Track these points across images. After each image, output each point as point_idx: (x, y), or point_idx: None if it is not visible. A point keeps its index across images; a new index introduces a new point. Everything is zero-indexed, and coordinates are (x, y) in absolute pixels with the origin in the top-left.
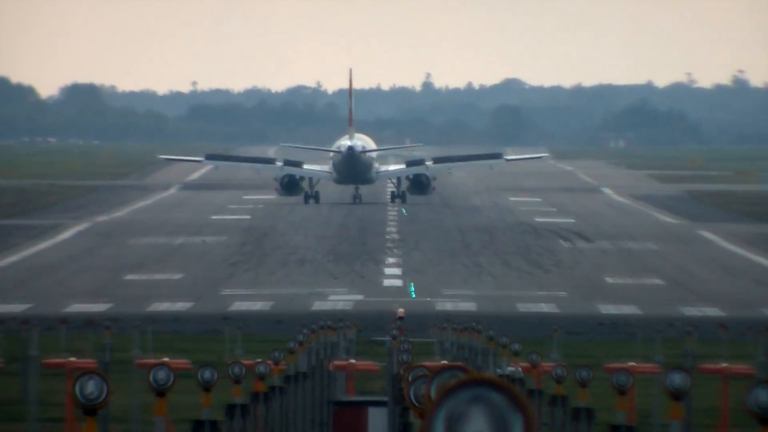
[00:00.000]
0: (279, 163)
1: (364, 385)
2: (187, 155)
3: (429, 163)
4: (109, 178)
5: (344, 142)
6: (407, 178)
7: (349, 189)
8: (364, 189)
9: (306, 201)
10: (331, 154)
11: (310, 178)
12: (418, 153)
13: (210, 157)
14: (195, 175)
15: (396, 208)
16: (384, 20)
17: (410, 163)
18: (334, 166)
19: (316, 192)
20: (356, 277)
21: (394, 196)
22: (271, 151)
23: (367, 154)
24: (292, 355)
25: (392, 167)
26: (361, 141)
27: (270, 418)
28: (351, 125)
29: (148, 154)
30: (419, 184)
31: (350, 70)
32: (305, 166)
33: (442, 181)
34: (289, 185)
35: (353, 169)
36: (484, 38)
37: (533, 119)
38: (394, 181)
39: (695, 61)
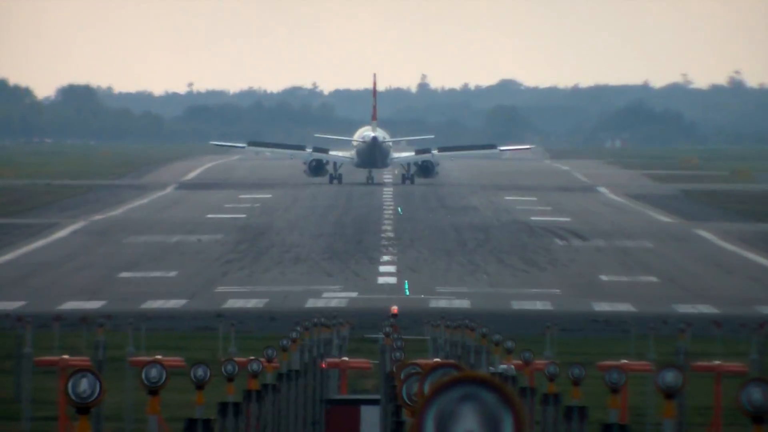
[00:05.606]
0: (309, 150)
1: (357, 383)
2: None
3: (435, 151)
4: (106, 178)
5: (368, 133)
6: (416, 163)
7: (364, 172)
8: (375, 172)
9: (330, 182)
10: (355, 142)
11: (335, 163)
12: (430, 142)
13: (252, 144)
14: (191, 175)
15: (392, 206)
16: (380, 21)
17: (419, 151)
18: (358, 153)
19: (340, 174)
20: (351, 275)
21: (404, 178)
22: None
23: (387, 143)
24: (285, 353)
25: (404, 154)
26: (382, 132)
27: (262, 416)
28: (374, 119)
29: (145, 154)
30: (426, 169)
31: (374, 75)
32: (331, 152)
33: (440, 174)
34: (316, 168)
35: (375, 155)
36: (480, 39)
37: (529, 119)
38: (405, 165)
39: (691, 61)
